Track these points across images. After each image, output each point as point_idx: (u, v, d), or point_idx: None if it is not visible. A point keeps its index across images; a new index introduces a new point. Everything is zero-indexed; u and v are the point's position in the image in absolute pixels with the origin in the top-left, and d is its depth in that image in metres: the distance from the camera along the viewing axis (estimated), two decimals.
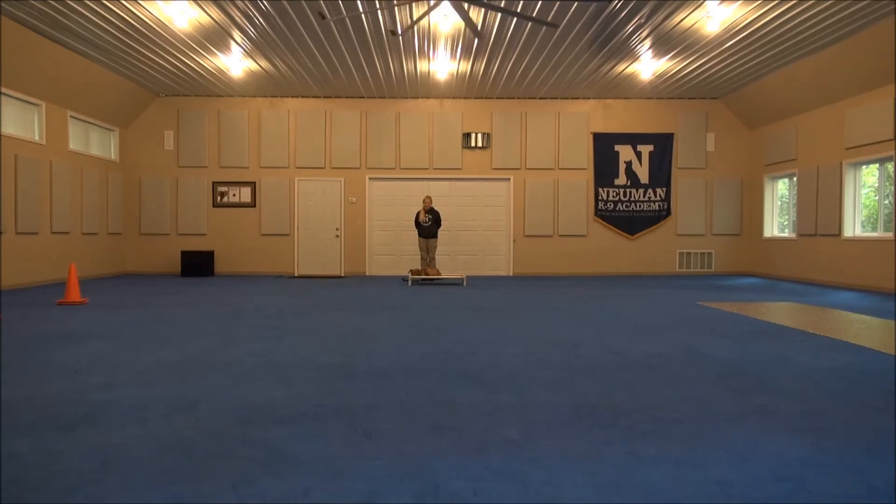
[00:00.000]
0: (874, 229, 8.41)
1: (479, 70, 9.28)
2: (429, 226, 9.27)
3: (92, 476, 1.85)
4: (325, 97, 10.99)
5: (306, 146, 11.02)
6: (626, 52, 8.34)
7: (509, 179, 11.14)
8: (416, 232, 9.47)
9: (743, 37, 7.59)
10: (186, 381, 3.03)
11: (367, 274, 11.09)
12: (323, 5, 6.56)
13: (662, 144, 11.14)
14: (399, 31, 7.17)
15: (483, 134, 10.98)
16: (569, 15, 6.92)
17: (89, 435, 2.22)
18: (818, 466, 1.95)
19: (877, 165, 8.34)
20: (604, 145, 11.12)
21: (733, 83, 9.93)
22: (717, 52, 8.26)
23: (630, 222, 11.12)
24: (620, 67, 9.12)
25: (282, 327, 4.83)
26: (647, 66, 8.95)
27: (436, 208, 9.51)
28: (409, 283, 9.08)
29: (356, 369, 3.33)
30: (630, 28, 7.38)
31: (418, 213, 9.38)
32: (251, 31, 7.49)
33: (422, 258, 9.42)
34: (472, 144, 10.98)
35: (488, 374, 3.23)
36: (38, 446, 2.10)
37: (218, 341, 4.17)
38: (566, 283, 9.48)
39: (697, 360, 3.58)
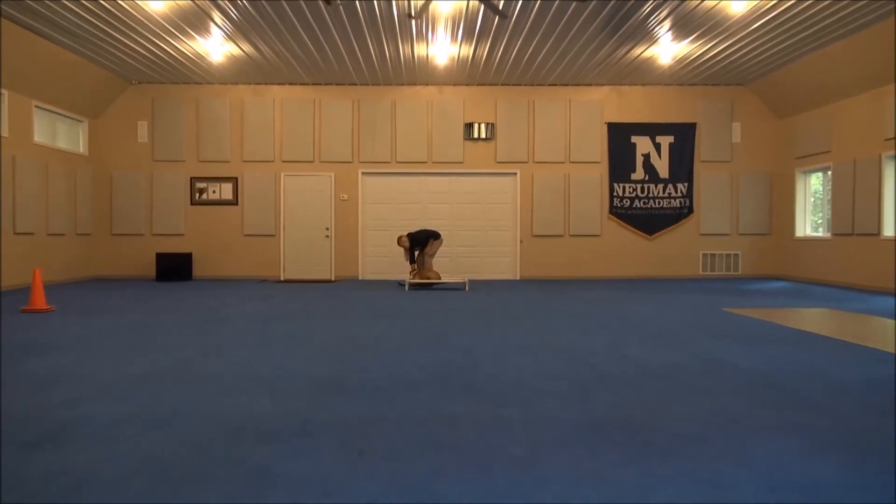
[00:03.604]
0: None
1: (483, 54, 9.30)
2: (423, 254, 9.19)
3: (57, 502, 1.86)
4: (314, 84, 11.02)
5: (293, 138, 11.04)
6: (644, 33, 8.36)
7: (515, 174, 11.16)
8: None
9: (772, 16, 7.61)
10: (162, 396, 3.03)
11: (360, 278, 11.10)
12: None
13: (683, 135, 11.16)
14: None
15: (487, 124, 11.00)
16: None
17: (54, 456, 2.23)
18: (852, 489, 1.96)
19: None
20: (619, 136, 11.13)
21: (761, 68, 9.94)
22: (743, 33, 8.27)
23: (648, 221, 11.13)
24: (637, 51, 9.13)
25: (267, 336, 4.84)
26: (666, 49, 8.97)
27: (410, 232, 9.33)
28: (407, 287, 9.09)
29: (349, 381, 3.34)
30: (647, 7, 7.40)
31: (405, 254, 9.31)
32: (233, 12, 7.52)
33: (418, 264, 9.42)
34: (475, 136, 11.00)
35: (493, 386, 3.24)
36: None
37: (197, 351, 4.18)
38: (578, 287, 9.49)
39: (721, 371, 3.58)
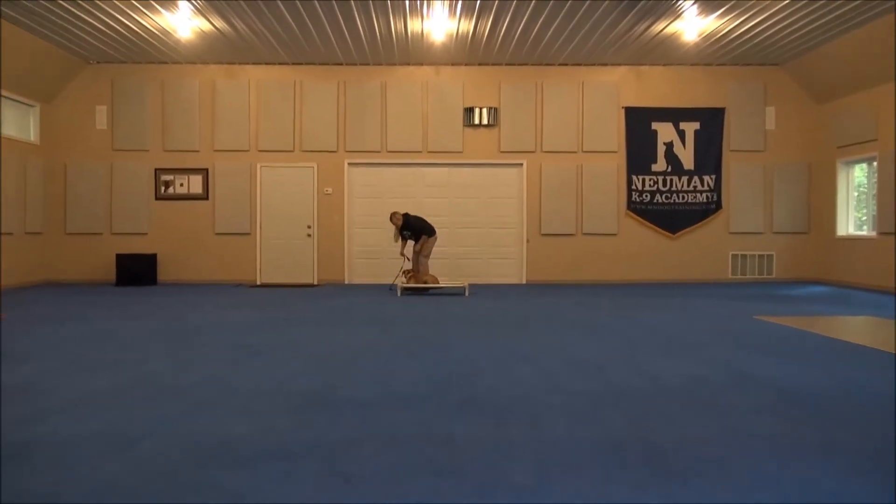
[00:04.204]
0: None
1: (485, 30, 9.33)
2: (413, 243, 9.29)
3: None
4: (295, 64, 11.04)
5: (271, 125, 11.05)
6: (666, 7, 8.40)
7: (521, 165, 11.19)
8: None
9: None
10: (128, 413, 3.06)
11: (347, 282, 11.12)
12: None
13: (711, 122, 11.19)
14: None
15: (489, 109, 11.03)
16: None
17: (10, 480, 2.26)
18: None
19: None
20: (638, 123, 11.17)
21: (799, 45, 9.99)
22: (778, 6, 8.31)
23: (671, 218, 11.17)
24: (659, 26, 9.17)
25: (243, 347, 4.86)
26: (691, 24, 9.01)
27: (409, 214, 9.36)
28: (399, 292, 9.11)
29: (334, 397, 3.37)
30: None
31: (395, 236, 9.42)
32: None
33: (413, 263, 9.47)
34: (476, 122, 11.03)
35: (495, 402, 3.27)
36: None
37: (166, 364, 4.21)
38: (591, 292, 9.52)
39: (750, 387, 3.62)
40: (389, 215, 9.48)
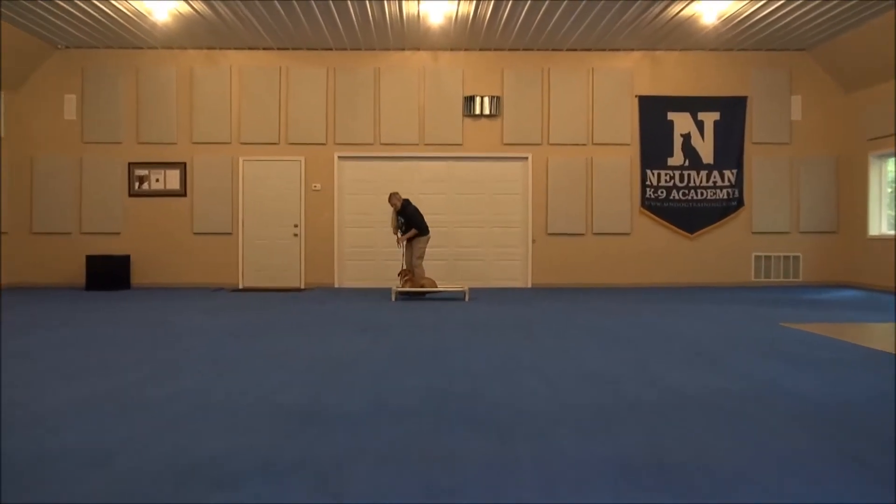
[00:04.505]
0: None
1: (486, 12, 9.34)
2: (403, 232, 9.30)
3: None
4: (280, 49, 11.04)
5: (255, 115, 11.05)
6: None
7: (527, 158, 11.20)
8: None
9: None
10: (101, 428, 3.05)
11: (337, 285, 11.11)
12: None
13: (731, 111, 11.20)
14: None
15: (491, 98, 11.04)
16: None
17: None
18: None
19: None
20: (653, 113, 11.18)
21: (827, 29, 10.00)
22: None
23: (688, 216, 11.18)
24: (675, 8, 9.18)
25: (225, 356, 4.86)
26: (709, 6, 9.02)
27: (411, 203, 9.39)
28: (394, 297, 9.11)
29: (323, 410, 3.36)
30: None
31: (392, 218, 9.49)
32: None
33: (405, 263, 9.47)
34: (477, 112, 11.03)
35: (498, 416, 3.27)
36: None
37: (142, 375, 4.20)
38: (603, 296, 9.52)
39: (777, 400, 3.61)
40: (388, 195, 9.45)
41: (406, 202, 9.33)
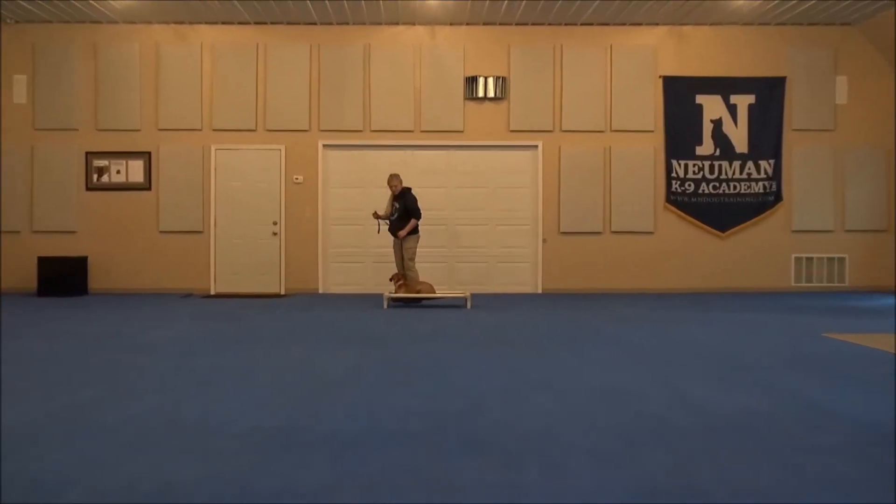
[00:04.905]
0: None
1: None
2: (395, 219, 9.30)
3: None
4: (258, 24, 11.03)
5: (229, 98, 11.05)
6: None
7: (536, 147, 11.19)
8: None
9: None
10: (52, 452, 3.03)
11: (321, 291, 11.10)
12: None
13: (768, 94, 11.19)
14: None
15: (496, 79, 11.03)
16: None
17: None
18: None
19: None
20: (679, 96, 11.17)
21: (876, 1, 9.98)
22: None
23: (720, 212, 11.16)
24: None
25: (194, 371, 4.84)
26: None
27: (411, 191, 9.43)
28: (386, 304, 9.10)
29: (306, 433, 3.34)
30: None
31: (388, 201, 9.51)
32: None
33: (396, 265, 9.48)
34: (480, 95, 11.02)
35: (504, 440, 3.24)
36: None
37: (99, 392, 4.18)
38: (622, 303, 9.51)
39: (819, 420, 3.59)
40: (388, 176, 9.43)
41: (407, 188, 9.36)
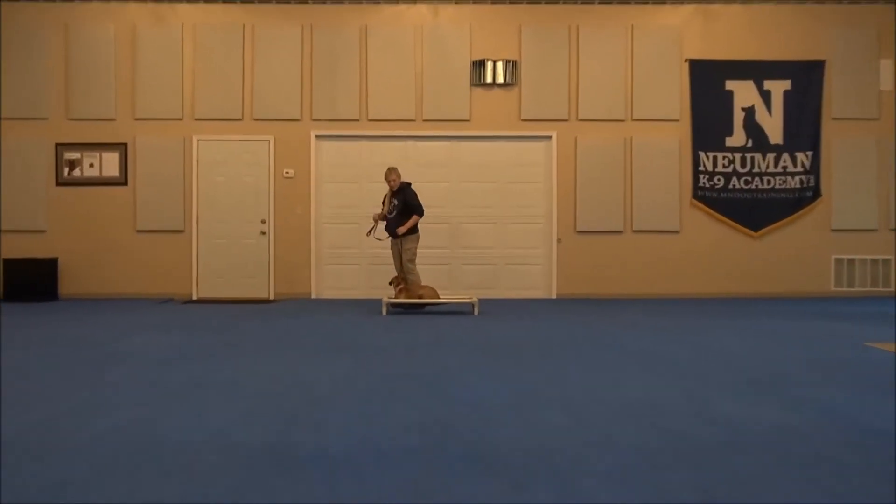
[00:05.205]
0: None
1: None
2: (394, 216, 9.28)
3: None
4: (244, 2, 11.05)
5: (212, 85, 11.07)
6: None
7: (550, 138, 11.19)
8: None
9: None
10: (19, 472, 3.03)
11: (314, 296, 11.11)
12: None
13: (806, 80, 11.17)
14: None
15: (506, 63, 11.03)
16: None
17: None
18: None
19: None
20: (707, 81, 11.15)
21: None
22: None
23: (752, 209, 11.15)
24: None
25: (175, 383, 4.84)
26: None
27: (411, 186, 9.43)
28: (385, 310, 9.10)
29: (297, 450, 3.34)
30: None
31: (384, 198, 9.50)
32: None
33: (395, 268, 9.48)
34: (489, 80, 11.03)
35: (513, 459, 3.24)
36: None
37: (71, 406, 4.19)
38: (644, 309, 9.50)
39: (857, 438, 3.58)
40: (386, 171, 9.42)
41: (407, 183, 9.37)
